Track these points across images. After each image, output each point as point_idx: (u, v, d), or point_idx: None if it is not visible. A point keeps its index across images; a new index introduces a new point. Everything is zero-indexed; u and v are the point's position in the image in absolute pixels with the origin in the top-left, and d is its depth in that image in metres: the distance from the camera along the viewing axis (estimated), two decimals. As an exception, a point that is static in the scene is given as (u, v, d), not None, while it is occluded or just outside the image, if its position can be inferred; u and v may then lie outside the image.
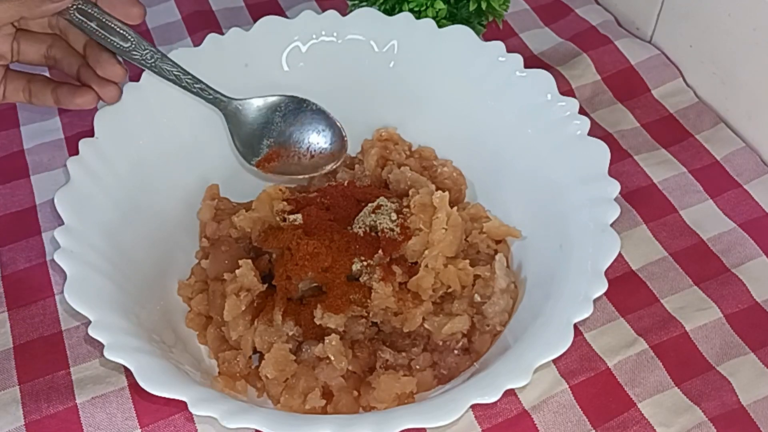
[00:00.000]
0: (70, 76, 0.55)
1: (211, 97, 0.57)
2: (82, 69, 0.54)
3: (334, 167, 0.59)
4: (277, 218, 0.56)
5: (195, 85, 0.56)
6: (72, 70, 0.55)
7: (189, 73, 0.56)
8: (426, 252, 0.54)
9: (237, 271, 0.54)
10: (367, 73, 0.63)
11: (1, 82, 0.54)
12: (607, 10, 0.79)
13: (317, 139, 0.59)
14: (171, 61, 0.55)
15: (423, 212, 0.55)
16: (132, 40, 0.53)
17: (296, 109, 0.59)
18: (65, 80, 0.55)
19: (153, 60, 0.54)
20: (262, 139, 0.58)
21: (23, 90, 0.55)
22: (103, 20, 0.53)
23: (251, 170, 0.60)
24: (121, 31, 0.53)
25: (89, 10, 0.52)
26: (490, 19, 0.68)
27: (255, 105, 0.58)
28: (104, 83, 0.54)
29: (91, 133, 0.55)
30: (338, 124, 0.59)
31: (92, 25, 0.52)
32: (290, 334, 0.52)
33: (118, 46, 0.53)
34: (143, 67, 0.55)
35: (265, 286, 0.54)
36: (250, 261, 0.54)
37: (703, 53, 0.70)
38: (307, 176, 0.59)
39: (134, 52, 0.54)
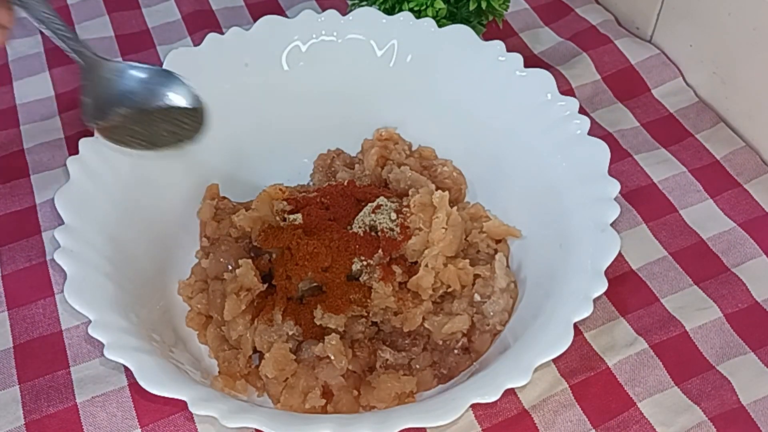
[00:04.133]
0: None
1: (74, 47, 0.52)
2: None
3: (177, 148, 0.54)
4: (277, 218, 0.56)
5: (61, 32, 0.52)
6: None
7: (59, 19, 0.52)
8: (426, 251, 0.54)
9: (237, 270, 0.54)
10: (367, 73, 0.63)
11: None
12: (607, 10, 0.79)
13: (173, 120, 0.53)
14: (43, 1, 0.51)
15: (423, 212, 0.55)
16: None
17: (162, 84, 0.54)
18: None
19: None
20: (114, 105, 0.53)
21: None
22: None
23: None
24: None
25: None
26: (490, 18, 0.68)
27: (118, 69, 0.53)
28: None
29: (91, 133, 0.55)
30: (201, 105, 0.54)
31: None
32: (290, 333, 0.52)
33: None
34: (11, 2, 0.51)
35: (265, 285, 0.54)
36: (250, 261, 0.54)
37: (703, 53, 0.70)
38: (147, 150, 0.54)
39: None
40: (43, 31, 0.52)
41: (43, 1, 0.51)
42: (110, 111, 0.53)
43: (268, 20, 0.62)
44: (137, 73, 0.54)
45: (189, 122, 0.53)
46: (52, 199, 0.52)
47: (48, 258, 0.60)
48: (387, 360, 0.52)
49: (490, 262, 0.56)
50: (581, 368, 0.54)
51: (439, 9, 0.64)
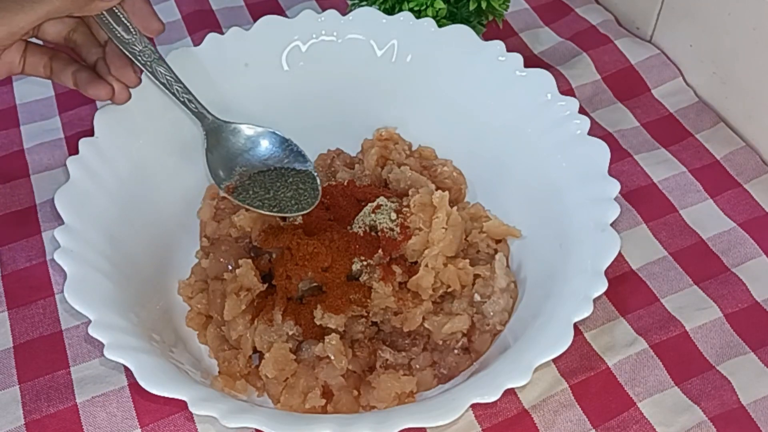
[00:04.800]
0: (86, 63, 0.55)
1: (195, 110, 0.56)
2: (100, 62, 0.55)
3: (299, 215, 0.56)
4: (277, 218, 0.56)
5: (183, 95, 0.56)
6: (90, 59, 0.55)
7: (180, 82, 0.56)
8: (426, 251, 0.54)
9: (237, 270, 0.54)
10: (367, 72, 0.63)
11: (21, 55, 0.54)
12: (607, 10, 0.79)
13: (291, 185, 0.56)
14: (166, 64, 0.55)
15: (423, 212, 0.55)
16: (134, 33, 0.54)
17: (279, 146, 0.58)
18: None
19: (150, 59, 0.54)
20: (236, 166, 0.56)
21: (44, 66, 0.55)
22: (116, 12, 0.53)
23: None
24: (126, 22, 0.53)
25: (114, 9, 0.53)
26: (490, 18, 0.68)
27: (237, 130, 0.57)
28: (117, 83, 0.54)
29: (91, 133, 0.55)
30: (315, 174, 0.57)
31: (105, 15, 0.53)
32: (290, 333, 0.52)
33: (119, 35, 0.53)
34: (137, 63, 0.54)
35: (265, 285, 0.54)
36: (250, 261, 0.54)
37: (703, 53, 0.70)
38: (272, 214, 0.55)
39: (134, 46, 0.54)
40: (165, 93, 0.56)
41: (168, 66, 0.55)
42: (233, 171, 0.56)
43: (268, 20, 0.62)
44: (256, 135, 0.57)
45: (303, 186, 0.56)
46: (52, 199, 0.52)
47: (48, 258, 0.60)
48: (387, 360, 0.52)
49: (490, 262, 0.56)
50: (581, 368, 0.54)
51: (439, 9, 0.64)
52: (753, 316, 0.57)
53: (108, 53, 0.54)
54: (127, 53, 0.54)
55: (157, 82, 0.55)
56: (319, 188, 0.57)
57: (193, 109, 0.56)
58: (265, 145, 0.57)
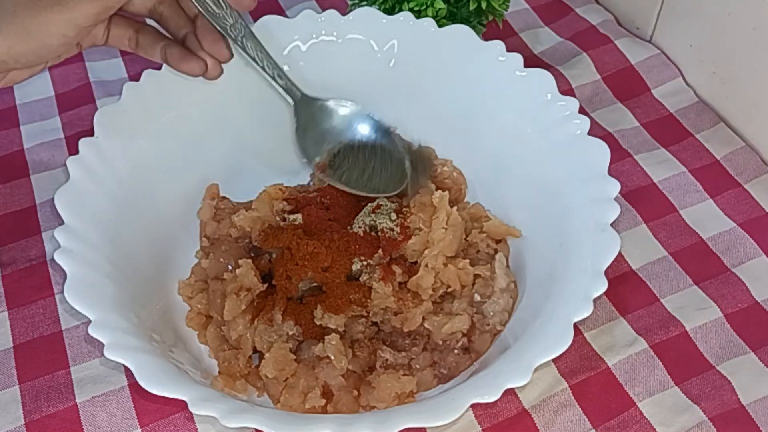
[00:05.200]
0: (173, 37, 0.55)
1: (285, 85, 0.56)
2: (190, 37, 0.54)
3: (393, 195, 0.57)
4: (277, 218, 0.56)
5: (273, 69, 0.56)
6: (178, 33, 0.55)
7: (270, 57, 0.56)
8: (426, 251, 0.54)
9: (237, 270, 0.54)
10: (367, 72, 0.63)
11: (105, 26, 0.53)
12: (607, 10, 0.79)
13: (380, 163, 0.57)
14: (256, 39, 0.55)
15: (423, 212, 0.55)
16: (224, 7, 0.53)
17: (367, 123, 0.58)
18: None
19: (240, 33, 0.54)
20: (324, 142, 0.57)
21: (129, 39, 0.54)
22: None
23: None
24: None
25: None
26: (490, 18, 0.68)
27: (327, 107, 0.58)
28: (210, 58, 0.54)
29: (91, 133, 0.55)
30: (402, 150, 0.58)
31: None
32: (290, 333, 0.52)
33: (210, 9, 0.53)
34: (227, 36, 0.54)
35: (265, 285, 0.54)
36: (250, 261, 0.54)
37: (703, 53, 0.70)
38: (361, 194, 0.57)
39: (225, 20, 0.53)
40: (255, 68, 0.56)
41: (258, 41, 0.55)
42: (321, 147, 0.57)
43: (268, 20, 0.62)
44: (346, 113, 0.58)
45: (392, 163, 0.57)
46: (52, 199, 0.52)
47: (48, 258, 0.60)
48: (387, 360, 0.52)
49: (490, 262, 0.56)
50: (581, 368, 0.54)
51: (439, 9, 0.64)
52: (753, 316, 0.57)
53: (199, 27, 0.54)
54: (218, 27, 0.53)
55: (246, 56, 0.55)
56: (409, 166, 0.57)
57: (282, 85, 0.56)
58: (355, 123, 0.58)
